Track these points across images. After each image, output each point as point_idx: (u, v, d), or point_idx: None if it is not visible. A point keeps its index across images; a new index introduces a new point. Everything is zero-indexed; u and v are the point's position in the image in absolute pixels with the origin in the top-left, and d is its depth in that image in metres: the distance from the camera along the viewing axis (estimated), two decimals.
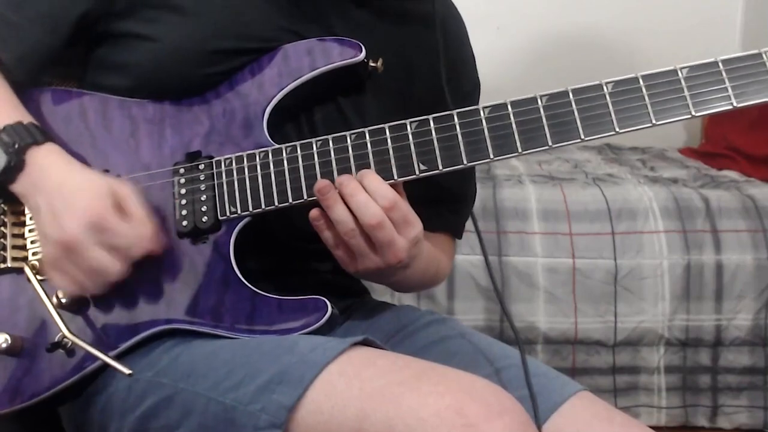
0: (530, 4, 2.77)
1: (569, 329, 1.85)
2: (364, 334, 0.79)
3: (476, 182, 1.07)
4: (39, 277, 0.83)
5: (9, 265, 0.86)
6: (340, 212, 0.79)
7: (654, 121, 0.77)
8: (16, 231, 0.87)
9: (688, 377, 1.88)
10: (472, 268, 1.84)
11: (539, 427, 0.77)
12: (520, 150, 0.79)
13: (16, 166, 0.80)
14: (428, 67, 0.98)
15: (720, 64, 0.77)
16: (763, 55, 0.76)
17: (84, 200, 0.78)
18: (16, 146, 0.80)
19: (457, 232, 1.06)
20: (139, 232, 0.80)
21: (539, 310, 1.84)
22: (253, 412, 0.72)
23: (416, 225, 0.81)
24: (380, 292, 1.83)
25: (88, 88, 0.93)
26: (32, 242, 0.86)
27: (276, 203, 0.83)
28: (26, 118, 0.84)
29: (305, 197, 0.82)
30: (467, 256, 1.83)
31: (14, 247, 0.87)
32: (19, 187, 0.81)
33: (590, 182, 2.03)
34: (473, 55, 1.04)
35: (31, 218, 0.87)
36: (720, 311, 1.85)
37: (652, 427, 0.83)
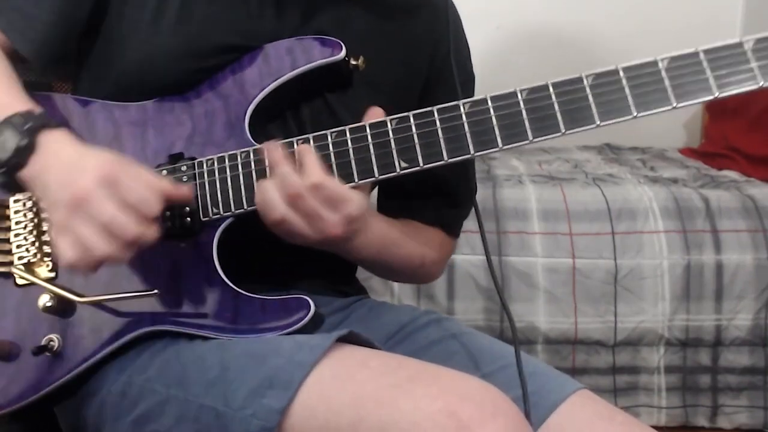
0: (530, 4, 2.77)
1: (569, 329, 1.85)
2: (366, 332, 0.78)
3: (476, 182, 1.06)
4: (29, 276, 0.84)
5: None
6: (265, 185, 0.78)
7: (635, 113, 0.75)
8: (1, 236, 0.87)
9: (688, 377, 1.88)
10: (472, 268, 1.84)
11: (535, 426, 0.77)
12: (500, 145, 0.78)
13: (27, 147, 0.77)
14: (416, 59, 0.97)
15: (701, 54, 0.75)
16: (744, 44, 0.75)
17: (94, 161, 0.75)
18: (27, 127, 0.78)
19: (451, 229, 1.05)
20: (149, 188, 0.75)
21: (539, 310, 1.84)
22: (245, 418, 0.72)
23: (353, 201, 0.78)
24: (380, 293, 1.83)
25: (81, 85, 0.93)
26: (18, 247, 0.86)
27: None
28: (38, 110, 0.83)
29: None
30: (467, 256, 1.83)
31: (0, 251, 0.87)
32: (28, 171, 0.78)
33: (590, 182, 2.03)
34: (468, 46, 1.03)
35: (17, 223, 0.87)
36: (720, 311, 1.85)
37: (652, 427, 0.82)
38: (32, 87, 0.93)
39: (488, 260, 0.89)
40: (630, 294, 1.85)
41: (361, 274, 1.08)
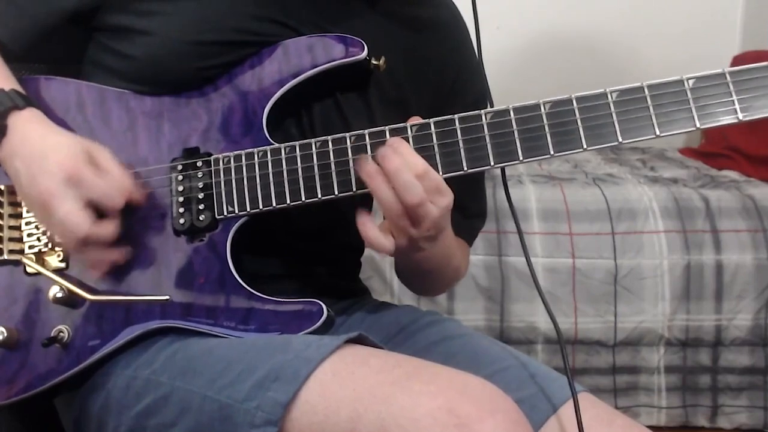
0: (530, 4, 2.77)
1: (569, 329, 1.85)
2: (368, 332, 0.78)
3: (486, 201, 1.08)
4: (38, 267, 0.85)
5: (5, 258, 0.87)
6: (386, 195, 0.78)
7: (658, 133, 0.75)
8: (12, 223, 0.88)
9: (688, 377, 1.88)
10: (473, 268, 1.84)
11: (535, 429, 0.77)
12: (521, 158, 0.78)
13: None
14: (433, 71, 0.97)
15: (727, 76, 0.75)
16: None
17: (57, 158, 0.79)
18: None
19: (471, 240, 1.06)
20: (113, 183, 0.80)
21: (539, 310, 1.84)
22: (249, 410, 0.72)
23: (448, 194, 0.79)
24: (380, 292, 1.83)
25: (90, 65, 0.94)
26: (29, 235, 0.87)
27: (274, 204, 0.83)
28: (8, 85, 0.85)
29: (303, 199, 0.82)
30: None
31: (11, 239, 0.87)
32: (1, 153, 0.82)
33: (590, 182, 2.03)
34: (480, 63, 1.03)
35: (27, 211, 0.87)
36: (720, 311, 1.85)
37: (652, 427, 0.82)
38: (57, 71, 0.94)
39: (528, 262, 0.88)
40: (630, 294, 1.85)
41: (360, 274, 1.08)
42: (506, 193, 0.90)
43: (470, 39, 1.02)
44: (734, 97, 0.75)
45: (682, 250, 1.85)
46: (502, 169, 0.83)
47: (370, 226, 0.80)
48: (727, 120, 0.75)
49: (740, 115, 0.75)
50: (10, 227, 0.87)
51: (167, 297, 0.82)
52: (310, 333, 0.80)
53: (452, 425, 0.65)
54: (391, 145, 0.78)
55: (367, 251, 1.06)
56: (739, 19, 2.84)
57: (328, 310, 0.81)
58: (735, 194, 1.95)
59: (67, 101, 0.90)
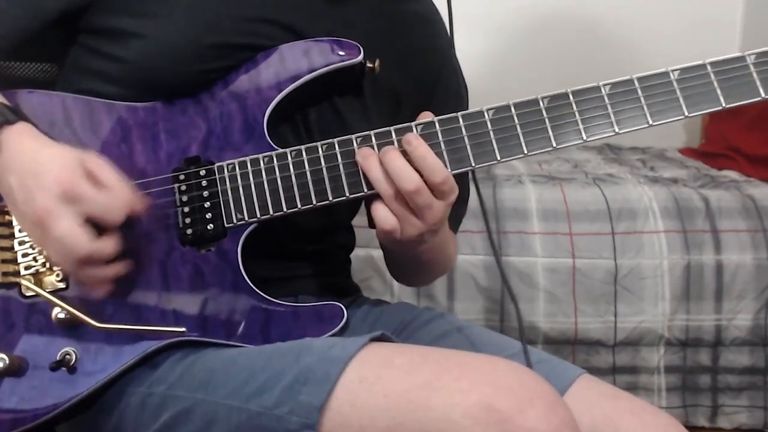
0: (530, 4, 2.77)
1: (569, 329, 1.85)
2: (371, 332, 0.78)
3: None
4: (37, 289, 0.81)
5: (0, 281, 0.82)
6: (377, 176, 0.79)
7: (651, 122, 0.79)
8: (4, 244, 0.83)
9: (688, 377, 1.88)
10: (472, 268, 1.84)
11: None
12: (525, 151, 0.81)
13: None
14: (420, 67, 0.97)
15: (708, 67, 0.80)
16: (747, 58, 0.79)
17: (53, 172, 0.74)
18: None
19: (456, 227, 1.07)
20: (113, 198, 0.76)
21: (539, 310, 1.84)
22: (282, 416, 0.70)
23: (456, 190, 0.81)
24: (380, 292, 1.83)
25: (72, 70, 0.90)
26: (23, 255, 0.83)
27: (285, 209, 0.82)
28: None
29: (314, 202, 0.82)
30: (467, 256, 1.83)
31: (4, 261, 0.83)
32: None
33: (590, 182, 2.03)
34: (457, 58, 1.03)
35: (20, 230, 0.83)
36: (720, 311, 1.85)
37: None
38: (38, 84, 0.92)
39: (497, 259, 0.90)
40: (630, 294, 1.85)
41: (361, 274, 1.08)
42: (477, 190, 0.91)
43: (447, 34, 1.02)
44: (716, 86, 0.80)
45: (682, 250, 1.85)
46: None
47: (378, 204, 0.80)
48: (713, 107, 0.80)
49: (724, 102, 0.79)
50: (2, 248, 0.83)
51: (183, 329, 0.79)
52: (330, 336, 0.79)
53: (493, 422, 0.64)
54: (409, 143, 0.79)
55: (367, 251, 1.06)
56: (739, 19, 2.84)
57: (347, 313, 0.80)
58: (735, 194, 1.95)
59: (53, 115, 0.86)
